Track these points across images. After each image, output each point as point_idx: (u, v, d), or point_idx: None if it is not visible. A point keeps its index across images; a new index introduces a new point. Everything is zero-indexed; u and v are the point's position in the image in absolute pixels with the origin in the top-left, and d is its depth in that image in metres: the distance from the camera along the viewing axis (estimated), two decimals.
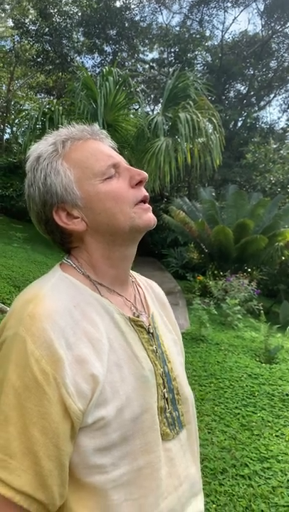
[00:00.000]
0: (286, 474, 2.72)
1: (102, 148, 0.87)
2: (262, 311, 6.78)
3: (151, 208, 0.88)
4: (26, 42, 16.59)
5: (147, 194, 0.87)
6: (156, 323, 0.96)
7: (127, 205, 0.83)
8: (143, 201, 0.86)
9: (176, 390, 0.92)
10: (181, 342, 1.10)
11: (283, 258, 9.69)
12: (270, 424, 3.38)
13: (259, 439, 3.13)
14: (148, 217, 0.86)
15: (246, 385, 4.10)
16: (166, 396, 0.88)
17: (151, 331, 0.91)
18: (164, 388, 0.88)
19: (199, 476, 0.97)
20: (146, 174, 0.87)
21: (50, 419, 0.69)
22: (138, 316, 0.90)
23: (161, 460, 0.83)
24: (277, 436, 3.20)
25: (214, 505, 2.41)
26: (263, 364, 4.84)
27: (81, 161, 0.83)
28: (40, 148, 0.86)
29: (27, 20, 16.47)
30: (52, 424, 0.69)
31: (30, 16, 16.68)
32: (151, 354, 0.87)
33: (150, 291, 1.06)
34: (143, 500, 0.79)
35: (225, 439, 3.12)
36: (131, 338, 0.84)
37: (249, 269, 9.61)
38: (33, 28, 16.25)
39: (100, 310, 0.82)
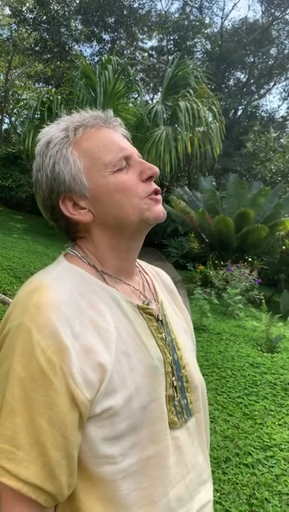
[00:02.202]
0: None
1: (115, 138, 0.84)
2: (263, 301, 6.77)
3: (161, 200, 0.86)
4: (24, 30, 16.38)
5: (158, 188, 0.85)
6: (166, 310, 0.95)
7: (136, 197, 0.82)
8: (154, 193, 0.85)
9: (185, 378, 0.91)
10: (192, 329, 1.09)
11: (284, 247, 9.69)
12: (272, 413, 3.39)
13: (262, 428, 3.14)
14: (158, 209, 0.84)
15: (248, 374, 4.11)
16: (174, 384, 0.87)
17: (161, 318, 0.90)
18: (172, 376, 0.87)
19: (208, 464, 0.96)
20: (157, 169, 0.84)
21: (57, 410, 0.68)
22: (148, 304, 0.89)
23: (170, 449, 0.82)
24: (280, 424, 3.21)
25: (218, 494, 2.42)
26: (265, 353, 4.85)
27: (92, 150, 0.81)
28: (51, 132, 0.84)
29: (24, 8, 16.22)
30: (59, 414, 0.68)
31: (27, 4, 16.45)
32: (160, 342, 0.86)
33: (158, 278, 1.05)
34: (152, 489, 0.78)
35: (228, 428, 3.13)
36: (139, 326, 0.83)
37: (250, 259, 9.59)
38: (30, 16, 16.01)
39: (107, 299, 0.81)
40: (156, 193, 0.84)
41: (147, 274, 1.01)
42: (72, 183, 0.81)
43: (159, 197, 0.85)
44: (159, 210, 0.84)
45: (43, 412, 0.67)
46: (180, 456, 0.85)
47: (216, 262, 9.33)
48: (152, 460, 0.79)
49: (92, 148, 0.81)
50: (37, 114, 7.90)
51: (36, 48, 16.62)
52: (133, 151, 0.85)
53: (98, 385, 0.72)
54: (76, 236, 0.89)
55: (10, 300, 5.10)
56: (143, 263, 1.05)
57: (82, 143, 0.82)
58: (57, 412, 0.68)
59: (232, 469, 2.66)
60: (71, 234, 0.89)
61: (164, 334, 0.88)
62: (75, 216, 0.83)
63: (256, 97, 21.08)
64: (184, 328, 1.02)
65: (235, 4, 24.39)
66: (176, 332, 0.94)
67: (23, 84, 19.17)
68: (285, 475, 2.62)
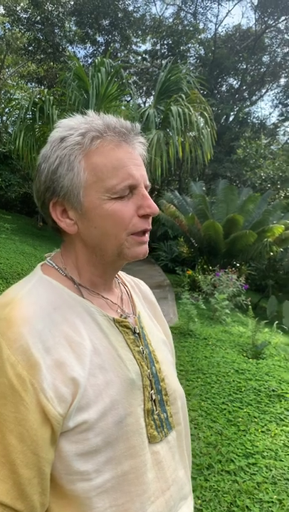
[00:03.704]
0: (271, 470, 2.74)
1: (129, 161, 0.79)
2: (250, 306, 6.80)
3: (148, 240, 0.83)
4: (17, 30, 16.33)
5: (150, 227, 0.82)
6: (144, 323, 0.94)
7: (124, 231, 0.79)
8: (143, 232, 0.82)
9: (164, 391, 0.90)
10: (171, 341, 1.08)
11: (272, 254, 9.74)
12: (256, 419, 3.39)
13: (245, 435, 3.15)
14: (139, 250, 0.82)
15: (233, 381, 4.11)
16: (153, 398, 0.86)
17: (138, 331, 0.89)
18: (151, 390, 0.86)
19: (188, 478, 0.95)
20: (157, 210, 0.81)
21: (27, 426, 0.67)
22: (125, 318, 0.88)
23: (147, 464, 0.81)
24: (263, 432, 3.21)
25: (199, 501, 2.41)
26: (250, 359, 4.86)
27: (100, 168, 0.77)
28: (69, 129, 0.79)
29: (18, 8, 16.19)
30: (30, 430, 0.67)
31: (21, 4, 16.41)
32: (138, 355, 0.85)
33: (137, 289, 1.04)
34: (128, 505, 0.77)
35: (211, 435, 3.13)
36: (115, 339, 0.82)
37: (238, 264, 9.64)
38: (24, 15, 15.98)
39: (82, 312, 0.80)
40: (144, 232, 0.82)
41: (126, 285, 1.00)
42: (68, 192, 0.78)
43: (146, 238, 0.83)
44: (140, 251, 0.82)
45: (12, 428, 0.66)
46: (160, 471, 0.84)
47: (205, 266, 9.36)
48: (128, 475, 0.77)
49: (101, 165, 0.77)
50: (28, 114, 7.88)
51: (30, 48, 16.59)
52: (141, 179, 0.81)
53: (71, 400, 0.71)
54: (62, 238, 0.87)
55: None
56: (122, 273, 1.04)
57: (94, 156, 0.77)
58: (28, 429, 0.67)
59: (214, 476, 2.66)
60: (58, 233, 0.87)
61: (141, 347, 0.87)
62: (60, 223, 0.81)
63: (248, 103, 21.26)
64: (163, 340, 1.01)
65: (229, 11, 24.67)
66: (155, 345, 0.93)
67: (15, 83, 19.08)
68: (266, 482, 2.62)
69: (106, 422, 0.74)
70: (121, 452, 0.77)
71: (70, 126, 0.80)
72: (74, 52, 18.43)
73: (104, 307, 0.86)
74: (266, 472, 2.72)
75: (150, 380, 0.86)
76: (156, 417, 0.85)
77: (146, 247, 0.83)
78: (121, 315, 0.88)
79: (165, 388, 0.90)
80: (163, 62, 17.70)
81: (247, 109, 20.79)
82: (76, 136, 0.78)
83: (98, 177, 0.77)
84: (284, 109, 20.83)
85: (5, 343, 0.68)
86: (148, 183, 0.83)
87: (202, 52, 20.45)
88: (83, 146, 0.77)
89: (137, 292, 1.03)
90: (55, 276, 0.83)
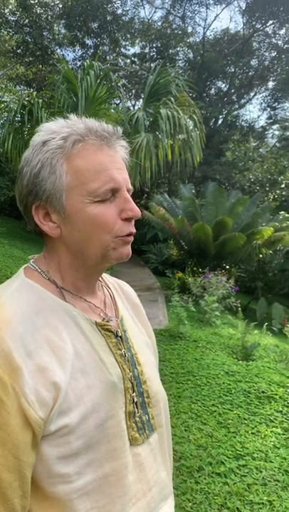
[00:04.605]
0: (261, 471, 2.75)
1: (110, 165, 0.79)
2: (239, 308, 6.82)
3: (132, 240, 0.84)
4: (6, 33, 16.28)
5: (134, 231, 0.83)
6: (126, 325, 0.94)
7: (108, 234, 0.79)
8: (127, 235, 0.82)
9: (146, 393, 0.90)
10: (154, 343, 1.09)
11: (261, 256, 9.79)
12: (246, 421, 3.41)
13: (235, 437, 3.16)
14: (124, 251, 0.82)
15: (223, 383, 4.12)
16: (135, 400, 0.86)
17: (120, 334, 0.89)
18: (133, 392, 0.86)
19: (170, 479, 0.96)
20: (139, 213, 0.82)
21: (8, 430, 0.67)
22: (108, 321, 0.88)
23: (128, 466, 0.81)
24: (253, 433, 3.23)
25: (190, 504, 2.41)
26: (240, 361, 4.88)
27: (82, 172, 0.77)
28: (51, 133, 0.79)
29: (6, 11, 16.14)
30: (11, 434, 0.67)
31: (10, 6, 16.36)
32: (120, 358, 0.85)
33: (120, 291, 1.04)
34: (110, 507, 0.78)
35: (201, 437, 3.13)
36: (97, 343, 0.83)
37: (227, 267, 9.67)
38: (12, 18, 15.95)
39: (64, 316, 0.80)
40: (129, 235, 0.82)
41: (109, 287, 1.00)
42: (51, 195, 0.78)
43: (130, 238, 0.83)
44: (124, 252, 0.83)
45: None
46: (141, 473, 0.85)
47: (194, 269, 9.38)
48: (109, 478, 0.78)
49: (83, 169, 0.78)
50: (17, 117, 7.84)
51: (18, 51, 16.56)
52: (123, 183, 0.81)
53: (52, 404, 0.71)
54: (45, 241, 0.87)
55: None
56: (106, 276, 1.04)
57: (76, 159, 0.78)
58: (9, 433, 0.67)
59: (204, 479, 2.66)
60: (40, 236, 0.87)
61: (123, 350, 0.88)
62: (43, 226, 0.81)
63: (236, 106, 21.40)
64: (146, 342, 1.01)
65: (217, 15, 24.78)
66: (137, 347, 0.94)
67: (3, 86, 18.99)
68: (256, 484, 2.63)
69: (87, 425, 0.75)
70: (102, 455, 0.77)
71: (52, 129, 0.80)
72: (63, 55, 18.37)
73: (87, 311, 0.86)
74: (256, 474, 2.73)
75: (132, 383, 0.87)
76: (137, 419, 0.86)
77: (129, 248, 0.84)
78: (103, 318, 0.89)
79: (147, 391, 0.91)
80: (152, 65, 17.68)
81: (235, 112, 20.95)
82: (58, 140, 0.78)
83: (80, 180, 0.77)
84: (272, 112, 21.00)
85: None
86: (130, 186, 0.84)
87: (191, 55, 20.54)
88: (65, 150, 0.78)
89: (120, 294, 1.03)
90: (37, 280, 0.83)
